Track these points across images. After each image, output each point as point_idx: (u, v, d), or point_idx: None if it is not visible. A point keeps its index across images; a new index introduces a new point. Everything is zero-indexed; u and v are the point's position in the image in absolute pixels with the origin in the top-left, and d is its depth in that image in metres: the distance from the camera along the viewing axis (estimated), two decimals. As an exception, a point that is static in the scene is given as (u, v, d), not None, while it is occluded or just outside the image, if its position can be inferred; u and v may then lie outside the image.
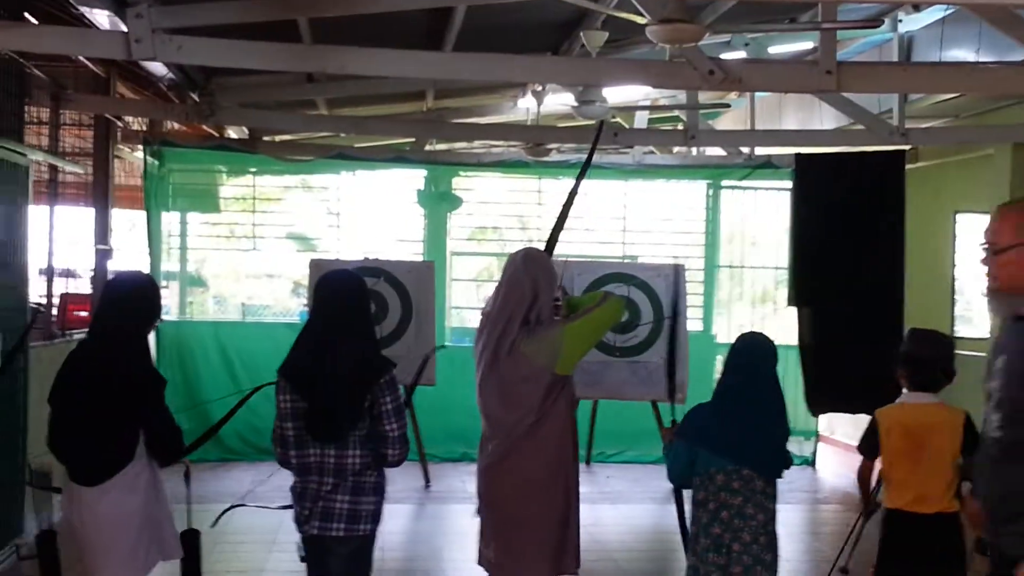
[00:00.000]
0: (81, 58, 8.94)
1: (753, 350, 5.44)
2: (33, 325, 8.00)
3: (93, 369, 4.88)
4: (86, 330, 8.96)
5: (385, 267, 10.38)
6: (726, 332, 12.28)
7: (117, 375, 4.81)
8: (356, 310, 4.80)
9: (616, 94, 11.01)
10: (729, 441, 5.32)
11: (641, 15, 5.93)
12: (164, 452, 4.98)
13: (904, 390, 5.51)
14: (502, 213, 13.32)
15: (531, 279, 5.05)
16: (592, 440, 11.27)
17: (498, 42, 8.40)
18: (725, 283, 12.88)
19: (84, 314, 10.20)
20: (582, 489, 5.30)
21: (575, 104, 10.23)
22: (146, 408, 4.86)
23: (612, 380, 10.17)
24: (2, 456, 7.50)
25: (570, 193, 5.88)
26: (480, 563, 5.22)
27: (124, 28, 6.08)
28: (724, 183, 12.51)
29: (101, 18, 7.29)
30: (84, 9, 7.24)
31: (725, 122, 13.78)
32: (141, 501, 4.89)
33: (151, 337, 5.23)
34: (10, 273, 7.47)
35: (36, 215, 8.28)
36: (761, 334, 5.79)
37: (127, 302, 4.99)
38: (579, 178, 5.86)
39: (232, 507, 6.45)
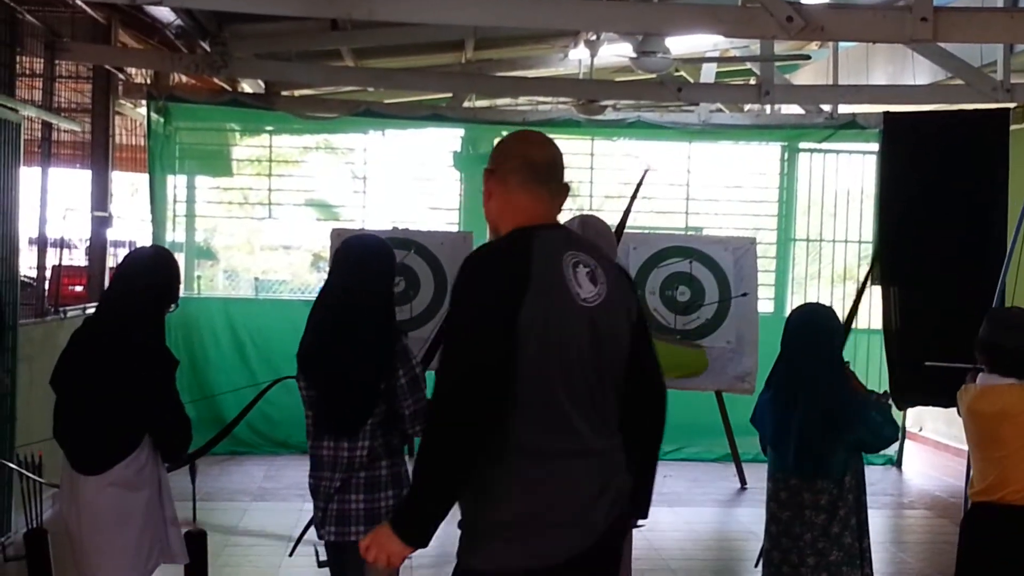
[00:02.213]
0: (79, 2, 8.97)
1: (801, 325, 5.43)
2: (22, 301, 8.08)
3: (101, 346, 4.91)
4: (81, 307, 9.12)
5: (416, 238, 10.37)
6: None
7: (126, 353, 4.85)
8: (379, 283, 4.78)
9: (680, 44, 10.93)
10: (771, 438, 5.37)
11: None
12: (170, 444, 5.00)
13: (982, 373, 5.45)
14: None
15: None
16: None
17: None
18: (801, 258, 12.79)
19: (79, 288, 10.28)
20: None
21: (634, 56, 10.16)
22: (154, 389, 4.88)
23: (671, 367, 10.13)
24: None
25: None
26: None
27: (125, -33, 6.09)
28: (802, 145, 12.39)
29: (100, -44, 7.32)
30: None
31: (804, 76, 13.67)
32: (144, 498, 4.91)
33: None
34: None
35: (27, 177, 8.33)
36: (815, 306, 5.81)
37: (143, 277, 5.03)
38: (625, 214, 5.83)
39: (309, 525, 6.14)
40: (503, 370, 3.22)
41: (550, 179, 3.55)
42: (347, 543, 4.68)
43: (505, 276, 3.31)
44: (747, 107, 13.06)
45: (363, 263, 4.79)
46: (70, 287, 10.19)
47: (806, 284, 12.90)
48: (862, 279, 7.61)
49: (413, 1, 6.78)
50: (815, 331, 5.38)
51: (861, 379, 5.81)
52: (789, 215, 12.54)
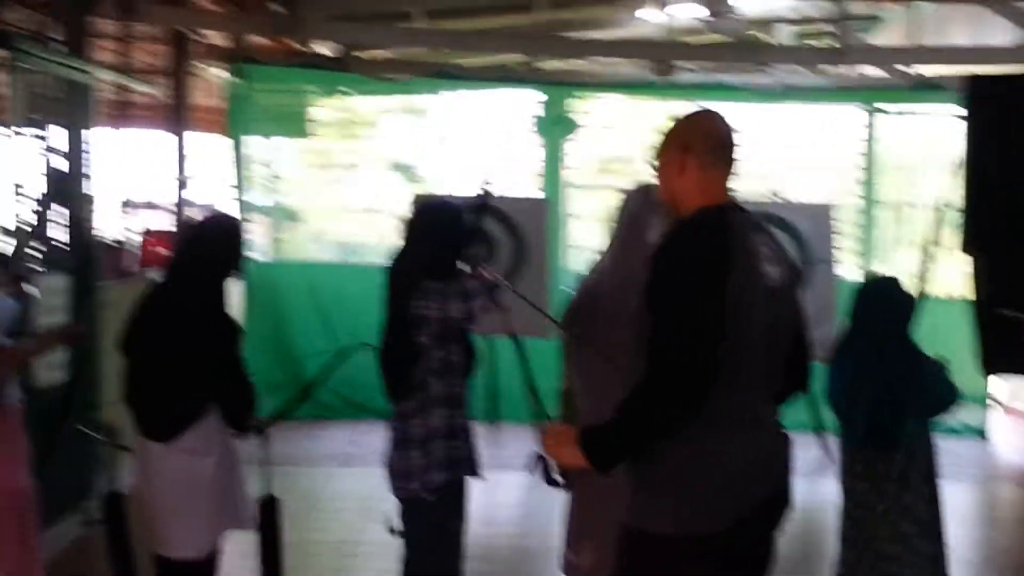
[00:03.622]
0: (155, -36, 8.93)
1: (868, 299, 5.35)
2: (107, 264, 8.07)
3: (163, 313, 4.87)
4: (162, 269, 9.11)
5: (493, 203, 10.19)
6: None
7: (187, 319, 4.80)
8: (425, 244, 4.84)
9: (753, 5, 10.71)
10: (841, 410, 5.27)
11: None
12: (233, 411, 4.92)
13: None
14: (626, 141, 13.09)
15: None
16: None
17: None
18: (884, 223, 12.45)
19: (163, 251, 10.31)
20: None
21: (707, 17, 9.98)
22: (216, 356, 4.83)
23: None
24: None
25: None
26: (566, 572, 4.64)
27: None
28: (883, 107, 12.05)
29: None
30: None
31: (882, 38, 13.37)
32: (212, 464, 4.86)
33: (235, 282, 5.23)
34: (73, 206, 7.45)
35: (104, 140, 8.28)
36: (882, 279, 5.69)
37: (204, 244, 4.98)
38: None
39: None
40: (721, 339, 3.26)
41: (732, 160, 3.61)
42: (411, 498, 4.78)
43: (715, 251, 3.36)
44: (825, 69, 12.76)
45: (420, 229, 4.88)
46: (154, 249, 10.22)
47: (891, 249, 12.56)
48: (930, 244, 7.39)
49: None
50: (882, 306, 5.29)
51: (941, 350, 5.65)
52: (871, 179, 12.21)
